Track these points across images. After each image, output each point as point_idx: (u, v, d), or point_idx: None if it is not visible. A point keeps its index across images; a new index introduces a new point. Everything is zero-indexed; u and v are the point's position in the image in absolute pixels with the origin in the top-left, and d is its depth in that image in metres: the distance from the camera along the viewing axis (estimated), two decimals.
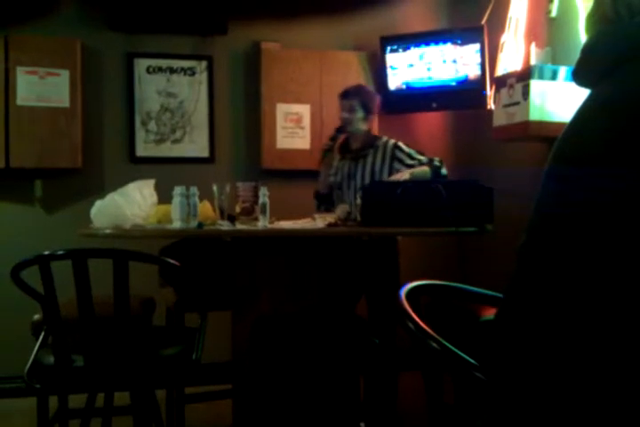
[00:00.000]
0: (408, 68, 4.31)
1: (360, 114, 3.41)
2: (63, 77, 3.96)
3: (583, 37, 3.19)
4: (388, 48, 4.34)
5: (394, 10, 4.55)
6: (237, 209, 2.85)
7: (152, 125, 4.27)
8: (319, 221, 2.88)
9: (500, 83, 3.50)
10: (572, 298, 1.04)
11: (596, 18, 1.23)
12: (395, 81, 4.36)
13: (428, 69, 4.25)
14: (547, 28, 3.61)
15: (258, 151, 4.34)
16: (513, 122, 3.33)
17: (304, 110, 4.34)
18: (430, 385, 1.40)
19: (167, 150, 4.29)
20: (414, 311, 1.29)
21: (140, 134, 4.26)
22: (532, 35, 3.71)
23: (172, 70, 4.29)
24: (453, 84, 4.18)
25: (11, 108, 3.86)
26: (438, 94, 4.26)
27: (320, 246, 2.86)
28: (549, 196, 1.15)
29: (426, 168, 3.30)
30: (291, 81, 4.31)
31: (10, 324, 3.78)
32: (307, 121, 4.34)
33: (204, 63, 4.33)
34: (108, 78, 4.23)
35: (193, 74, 4.32)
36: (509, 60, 3.81)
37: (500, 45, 3.91)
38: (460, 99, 4.19)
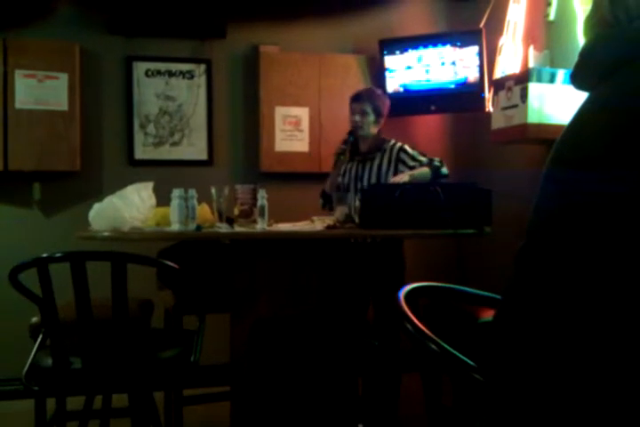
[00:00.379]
0: (407, 70, 4.32)
1: (371, 117, 3.44)
2: (62, 81, 3.96)
3: (581, 40, 3.20)
4: (387, 51, 4.35)
5: (392, 13, 4.56)
6: (236, 212, 2.85)
7: (151, 128, 4.28)
8: (318, 224, 2.88)
9: (499, 85, 3.51)
10: (570, 300, 1.05)
11: (594, 21, 1.23)
12: (393, 84, 4.36)
13: (427, 72, 4.25)
14: (545, 32, 3.62)
15: (256, 154, 4.35)
16: (511, 124, 3.34)
17: (303, 113, 4.34)
18: (429, 387, 1.40)
19: (166, 153, 4.30)
20: (413, 313, 1.29)
21: (138, 137, 4.26)
22: (530, 38, 3.72)
23: (170, 73, 4.30)
24: (452, 86, 4.19)
25: (9, 112, 3.86)
26: (437, 97, 4.26)
27: (319, 249, 2.86)
28: (548, 198, 1.15)
29: (426, 169, 3.32)
30: (289, 84, 4.31)
31: (8, 326, 3.78)
32: (305, 124, 4.35)
33: (202, 66, 4.34)
34: (107, 82, 4.24)
35: (192, 77, 4.33)
36: (508, 62, 3.81)
37: (498, 48, 3.92)
38: (459, 101, 4.19)
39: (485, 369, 1.15)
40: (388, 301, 3.26)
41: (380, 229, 2.77)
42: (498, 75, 3.84)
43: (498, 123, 3.50)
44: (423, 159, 3.42)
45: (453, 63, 4.17)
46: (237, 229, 2.74)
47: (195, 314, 2.66)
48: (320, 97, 4.35)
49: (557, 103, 3.17)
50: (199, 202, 2.78)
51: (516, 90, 3.27)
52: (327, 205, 3.61)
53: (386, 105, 3.52)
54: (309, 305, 2.84)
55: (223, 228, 2.74)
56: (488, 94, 4.01)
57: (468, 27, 4.25)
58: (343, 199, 3.10)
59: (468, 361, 1.17)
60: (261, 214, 2.73)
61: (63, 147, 3.95)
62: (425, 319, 1.30)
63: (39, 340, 2.38)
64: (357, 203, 2.87)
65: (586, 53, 1.22)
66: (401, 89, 4.35)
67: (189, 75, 4.33)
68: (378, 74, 4.41)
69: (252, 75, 4.37)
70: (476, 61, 4.07)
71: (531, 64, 3.53)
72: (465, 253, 4.55)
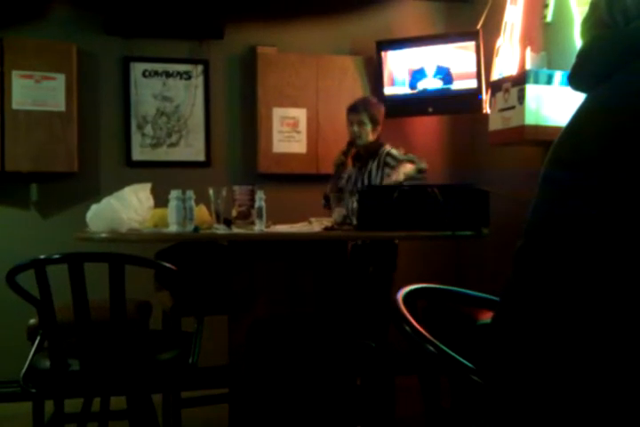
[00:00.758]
0: (404, 72, 4.32)
1: (369, 127, 3.54)
2: (59, 81, 3.95)
3: (578, 42, 3.20)
4: (384, 52, 4.35)
5: (390, 14, 4.57)
6: (234, 213, 2.85)
7: (148, 129, 4.27)
8: (315, 225, 2.89)
9: (496, 87, 3.51)
10: (568, 302, 1.05)
11: (591, 23, 1.24)
12: (391, 85, 4.36)
13: (424, 74, 4.26)
14: (542, 33, 3.62)
15: (254, 155, 4.34)
16: (509, 126, 3.34)
17: (300, 114, 4.34)
18: (427, 389, 1.40)
19: (163, 154, 4.29)
20: (411, 315, 1.29)
21: (136, 138, 4.26)
22: (527, 39, 3.72)
23: (168, 74, 4.29)
24: (449, 88, 4.19)
25: (6, 112, 3.85)
26: (434, 99, 4.26)
27: (316, 250, 2.86)
28: (546, 200, 1.15)
29: (409, 166, 3.36)
30: (287, 85, 4.31)
31: (5, 328, 3.77)
32: (303, 125, 4.35)
33: (200, 67, 4.34)
34: (104, 82, 4.23)
35: (189, 78, 4.33)
36: (505, 64, 3.82)
37: (495, 50, 3.92)
38: (456, 103, 4.19)
39: (484, 371, 1.15)
40: (376, 300, 3.36)
41: (377, 230, 2.77)
42: (495, 76, 3.85)
43: (495, 124, 3.50)
44: (404, 157, 3.49)
45: (451, 65, 4.17)
46: (235, 230, 2.74)
47: (193, 316, 2.66)
48: (318, 98, 4.36)
49: (555, 105, 3.18)
50: (197, 203, 2.78)
51: (514, 91, 3.28)
52: (328, 205, 3.65)
53: (381, 112, 3.62)
54: (307, 306, 2.84)
55: (221, 229, 2.74)
56: (485, 96, 4.02)
57: (466, 28, 4.25)
58: (341, 201, 3.11)
59: (467, 363, 1.17)
60: (259, 216, 2.73)
61: (60, 148, 3.95)
62: (423, 321, 1.30)
63: (37, 342, 2.37)
64: (355, 204, 2.87)
65: (583, 55, 1.23)
66: (398, 91, 4.35)
67: (187, 75, 4.32)
68: (375, 75, 4.42)
69: (250, 76, 4.37)
70: (474, 63, 4.07)
71: (528, 66, 3.53)
72: (462, 254, 4.56)
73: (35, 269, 2.11)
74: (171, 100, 4.30)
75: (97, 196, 3.29)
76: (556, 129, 3.13)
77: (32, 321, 2.71)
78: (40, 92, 3.92)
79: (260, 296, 2.80)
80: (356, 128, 3.54)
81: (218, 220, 2.83)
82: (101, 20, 4.12)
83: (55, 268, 2.12)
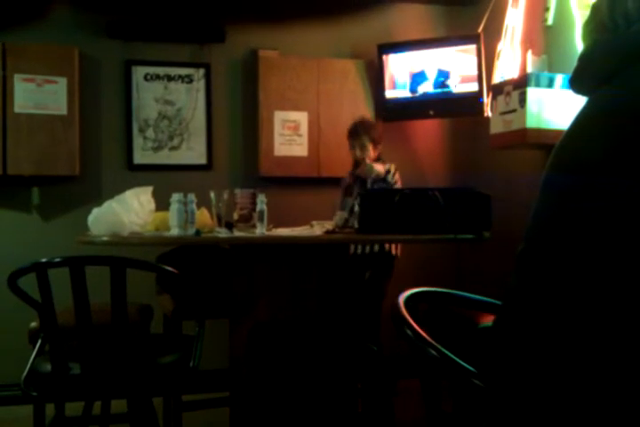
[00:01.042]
0: (405, 75, 4.32)
1: (370, 148, 3.69)
2: (61, 85, 3.96)
3: (579, 45, 3.21)
4: (386, 56, 4.35)
5: (391, 18, 4.58)
6: (235, 216, 2.85)
7: (150, 133, 4.28)
8: (317, 229, 2.88)
9: (497, 90, 3.52)
10: (570, 305, 1.05)
11: (592, 26, 1.24)
12: (392, 89, 4.37)
13: (425, 77, 4.26)
14: (543, 36, 3.63)
15: (255, 158, 4.35)
16: (510, 129, 3.35)
17: (302, 118, 4.35)
18: (429, 393, 1.39)
19: (165, 157, 4.30)
20: (413, 319, 1.29)
21: (137, 142, 4.26)
22: (528, 43, 3.72)
23: (169, 78, 4.30)
24: (450, 91, 4.20)
25: (8, 116, 3.86)
26: (435, 102, 4.27)
27: (318, 254, 2.86)
28: (547, 203, 1.15)
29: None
30: (288, 88, 4.32)
31: (6, 331, 3.77)
32: (304, 128, 4.35)
33: (201, 71, 4.34)
34: (106, 86, 4.24)
35: (191, 81, 4.33)
36: (506, 67, 3.82)
37: (496, 53, 3.92)
38: (457, 106, 4.20)
39: (486, 375, 1.15)
40: (368, 307, 3.55)
41: (378, 234, 2.77)
42: (496, 80, 3.85)
43: (496, 128, 3.50)
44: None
45: (452, 68, 4.18)
46: (236, 233, 2.74)
47: (194, 319, 2.66)
48: (319, 101, 4.36)
49: (556, 108, 3.18)
50: (198, 206, 2.78)
51: (515, 95, 3.28)
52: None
53: (380, 132, 3.80)
54: (308, 310, 2.83)
55: (222, 232, 2.74)
56: (487, 99, 4.02)
57: (467, 31, 4.26)
58: (342, 204, 3.13)
59: (468, 367, 1.17)
60: (260, 219, 2.73)
61: (62, 151, 3.95)
62: (425, 325, 1.30)
63: (38, 345, 2.37)
64: (356, 208, 2.87)
65: (584, 58, 1.22)
66: (399, 94, 4.35)
67: (188, 79, 4.33)
68: (376, 78, 4.42)
69: (251, 79, 4.37)
70: (475, 66, 4.08)
71: (529, 69, 3.54)
72: (464, 258, 4.55)
73: (36, 272, 2.11)
74: (172, 104, 4.30)
75: (98, 199, 3.29)
76: (557, 132, 3.13)
77: (33, 324, 2.71)
78: (42, 95, 3.92)
79: (261, 300, 2.80)
80: (358, 153, 3.70)
81: (219, 223, 2.83)
82: (103, 23, 4.13)
83: (56, 271, 2.12)
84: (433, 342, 1.21)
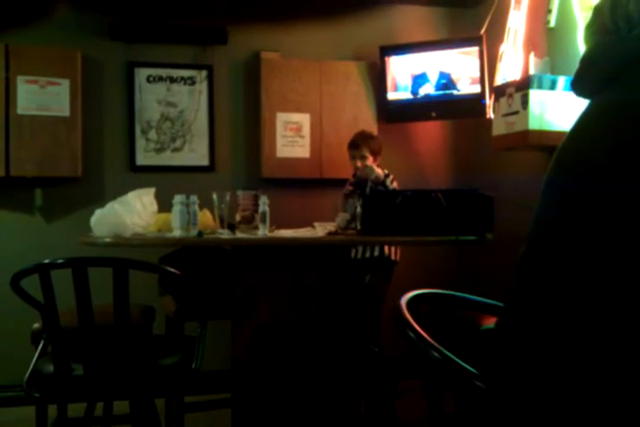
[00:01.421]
0: (407, 77, 4.33)
1: (370, 159, 3.75)
2: (63, 87, 3.97)
3: (582, 47, 3.20)
4: (388, 57, 4.36)
5: (393, 20, 4.58)
6: (237, 218, 2.85)
7: (152, 134, 4.28)
8: (319, 230, 2.89)
9: (500, 92, 3.52)
10: (572, 308, 1.05)
11: (594, 29, 1.24)
12: (394, 90, 4.37)
13: (428, 79, 4.26)
14: (545, 38, 3.63)
15: (258, 160, 4.35)
16: (512, 131, 3.34)
17: (304, 119, 4.35)
18: (430, 394, 1.39)
19: (167, 159, 4.30)
20: (415, 320, 1.29)
21: (140, 143, 4.27)
22: (530, 45, 3.72)
23: (172, 80, 4.31)
24: (453, 93, 4.20)
25: (11, 117, 3.87)
26: (438, 103, 4.27)
27: (320, 255, 2.86)
28: (549, 205, 1.15)
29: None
30: (290, 90, 4.32)
31: (9, 332, 3.78)
32: (306, 130, 4.35)
33: (204, 72, 4.35)
34: (109, 87, 4.25)
35: (193, 83, 4.34)
36: (508, 69, 3.82)
37: (499, 55, 3.92)
38: (460, 108, 4.20)
39: (487, 377, 1.15)
40: (367, 310, 3.57)
41: (381, 235, 2.77)
42: (499, 81, 3.85)
43: (499, 129, 3.50)
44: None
45: (454, 70, 4.18)
46: (239, 235, 2.75)
47: (196, 320, 2.66)
48: (321, 103, 4.36)
49: (558, 110, 3.18)
50: (201, 208, 2.78)
51: (517, 97, 3.28)
52: None
53: (380, 144, 3.85)
54: (310, 311, 2.83)
55: (225, 234, 2.74)
56: (489, 101, 4.02)
57: (469, 33, 4.26)
58: (344, 206, 3.14)
59: (470, 369, 1.17)
60: (263, 220, 2.73)
61: (65, 153, 3.96)
62: (427, 326, 1.30)
63: (40, 346, 2.38)
64: (358, 209, 2.88)
65: (586, 61, 1.23)
66: (402, 96, 4.36)
67: (191, 81, 4.34)
68: (378, 80, 4.42)
69: (254, 81, 4.38)
70: (477, 68, 4.08)
71: (531, 71, 3.53)
72: (466, 259, 4.55)
73: (39, 273, 2.11)
74: (175, 106, 4.31)
75: (101, 200, 3.29)
76: (559, 134, 3.13)
77: (36, 325, 2.72)
78: (45, 97, 3.93)
79: (263, 301, 2.80)
80: (358, 163, 3.74)
81: (221, 224, 2.83)
82: (106, 25, 4.14)
83: (59, 272, 2.12)
84: (435, 344, 1.21)
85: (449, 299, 1.62)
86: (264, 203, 2.75)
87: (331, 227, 2.91)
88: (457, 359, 1.18)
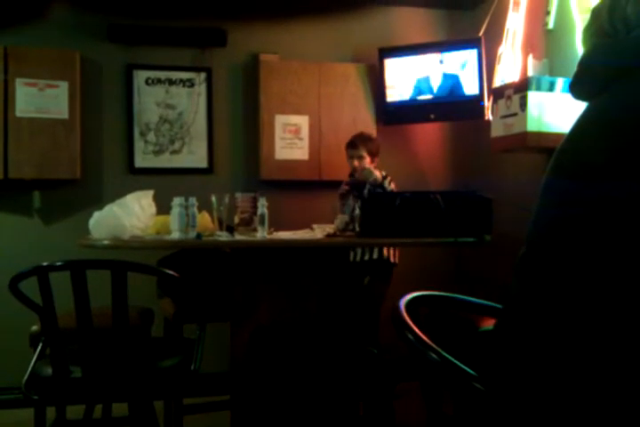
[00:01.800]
0: (406, 79, 4.33)
1: (367, 160, 3.76)
2: (62, 89, 3.97)
3: (580, 49, 3.21)
4: (387, 59, 4.36)
5: (392, 22, 4.58)
6: (236, 220, 2.85)
7: (151, 136, 4.28)
8: (318, 232, 2.89)
9: (498, 94, 3.52)
10: (571, 309, 1.05)
11: (592, 31, 1.24)
12: (393, 92, 4.37)
13: (426, 80, 4.27)
14: (544, 40, 3.63)
15: (256, 162, 4.35)
16: (511, 133, 3.35)
17: (302, 121, 4.35)
18: (429, 396, 1.39)
19: (166, 161, 4.30)
20: (414, 322, 1.29)
21: (138, 145, 4.27)
22: (529, 46, 3.73)
23: (170, 82, 4.31)
24: (451, 95, 4.20)
25: (10, 120, 3.87)
26: (436, 105, 4.27)
27: (319, 257, 2.86)
28: (548, 207, 1.15)
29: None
30: (289, 92, 4.32)
31: (8, 335, 3.78)
32: (305, 132, 4.36)
33: (202, 75, 4.35)
34: (107, 90, 4.25)
35: (192, 85, 4.34)
36: (507, 71, 3.83)
37: (497, 57, 3.93)
38: (458, 110, 4.20)
39: (487, 378, 1.15)
40: (366, 312, 3.58)
41: (379, 237, 2.77)
42: (497, 83, 3.86)
43: (497, 131, 3.51)
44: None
45: (453, 71, 4.18)
46: (238, 237, 2.74)
47: (195, 322, 2.66)
48: (320, 105, 4.37)
49: (557, 112, 3.18)
50: (199, 210, 2.78)
51: (516, 98, 3.28)
52: None
53: (378, 146, 3.86)
54: (309, 313, 2.83)
55: (223, 236, 2.74)
56: (487, 103, 4.02)
57: (468, 35, 4.26)
58: (343, 208, 3.14)
59: (469, 371, 1.16)
60: (261, 222, 2.73)
61: (63, 155, 3.96)
62: (426, 328, 1.30)
63: (39, 348, 2.38)
64: (357, 211, 2.88)
65: (584, 63, 1.23)
66: (400, 97, 4.36)
67: (190, 83, 4.34)
68: (377, 82, 4.43)
69: (252, 83, 4.38)
70: (476, 70, 4.08)
71: (530, 73, 3.54)
72: (465, 261, 4.55)
73: (37, 276, 2.11)
74: (173, 108, 4.31)
75: (99, 203, 3.29)
76: (558, 136, 3.13)
77: (34, 328, 2.71)
78: (43, 99, 3.93)
79: (262, 303, 2.80)
80: (356, 162, 3.75)
81: (220, 227, 2.83)
82: (105, 27, 4.14)
83: (58, 275, 2.12)
84: (434, 346, 1.21)
85: (448, 301, 1.62)
86: (263, 205, 2.75)
87: (329, 229, 2.91)
88: (455, 361, 1.18)
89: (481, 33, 4.14)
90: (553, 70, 3.50)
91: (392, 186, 3.71)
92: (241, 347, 2.77)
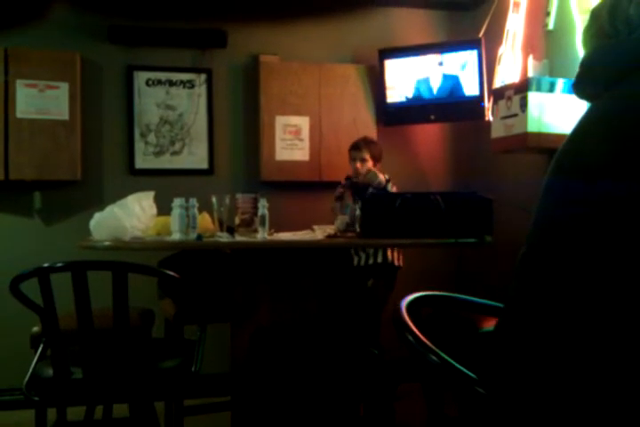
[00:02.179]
0: (406, 79, 4.33)
1: (369, 163, 3.78)
2: (63, 90, 3.97)
3: (580, 50, 3.21)
4: (387, 60, 4.36)
5: (392, 23, 4.58)
6: (237, 221, 2.85)
7: (151, 138, 4.28)
8: (318, 233, 2.89)
9: (498, 95, 3.52)
10: (573, 309, 1.05)
11: (592, 32, 1.24)
12: (393, 93, 4.38)
13: (427, 81, 4.27)
14: (544, 41, 3.63)
15: (257, 163, 4.35)
16: (511, 133, 3.35)
17: (303, 122, 4.35)
18: (430, 398, 1.39)
19: (166, 162, 4.30)
20: (415, 323, 1.29)
21: (139, 146, 4.27)
22: (529, 47, 3.73)
23: (171, 83, 4.31)
24: (451, 96, 4.20)
25: (10, 121, 3.86)
26: (436, 106, 4.27)
27: (319, 258, 2.86)
28: (549, 208, 1.16)
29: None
30: (289, 93, 4.32)
31: (9, 336, 3.78)
32: (305, 133, 4.36)
33: (203, 76, 4.35)
34: (108, 91, 4.25)
35: (192, 86, 4.34)
36: (507, 72, 3.83)
37: (497, 58, 3.93)
38: (458, 111, 4.20)
39: (487, 380, 1.15)
40: (369, 314, 3.60)
41: (380, 238, 2.77)
42: (497, 84, 3.86)
43: (498, 132, 3.51)
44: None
45: (453, 72, 4.18)
46: (238, 238, 2.75)
47: (195, 323, 2.66)
48: (320, 106, 4.37)
49: (557, 112, 3.18)
50: (200, 211, 2.78)
51: (516, 99, 3.28)
52: None
53: (380, 151, 3.87)
54: (309, 314, 2.83)
55: (224, 237, 2.74)
56: (488, 103, 4.02)
57: (468, 36, 4.27)
58: (343, 209, 3.14)
59: (469, 373, 1.16)
60: (262, 223, 2.73)
61: (64, 156, 3.96)
62: (428, 329, 1.30)
63: (40, 350, 2.38)
64: (358, 212, 2.88)
65: (586, 65, 1.23)
66: (400, 98, 4.36)
67: (190, 84, 4.34)
68: (377, 83, 4.43)
69: (253, 84, 4.38)
70: (476, 71, 4.08)
71: (530, 73, 3.54)
72: (465, 261, 4.55)
73: (38, 277, 2.11)
74: (174, 109, 4.31)
75: (100, 204, 3.29)
76: (558, 136, 3.13)
77: (35, 329, 2.72)
78: (44, 100, 3.93)
79: (263, 304, 2.80)
80: (359, 164, 3.76)
81: (221, 228, 2.83)
82: (105, 28, 4.14)
83: (58, 276, 2.12)
84: (433, 348, 1.21)
85: (449, 301, 1.62)
86: (263, 206, 2.75)
87: (330, 230, 2.91)
88: (455, 364, 1.18)
89: (481, 34, 4.14)
90: (553, 71, 3.50)
91: (394, 189, 3.71)
92: (241, 348, 2.77)
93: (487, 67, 4.04)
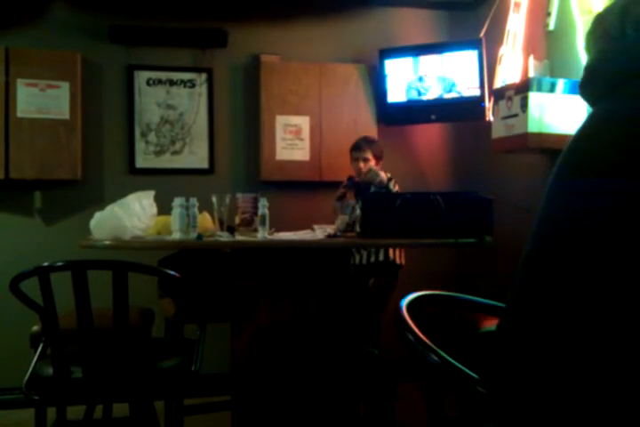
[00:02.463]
0: (407, 80, 4.33)
1: (372, 162, 3.79)
2: (63, 89, 3.97)
3: (581, 50, 3.21)
4: (387, 60, 4.36)
5: (393, 23, 4.58)
6: (237, 220, 2.85)
7: (152, 137, 4.29)
8: (318, 232, 2.89)
9: (499, 95, 3.52)
10: (576, 310, 1.05)
11: (597, 36, 1.23)
12: (394, 93, 4.38)
13: (427, 81, 4.27)
14: (544, 41, 3.63)
15: (257, 163, 4.36)
16: (512, 134, 3.35)
17: (303, 122, 4.35)
18: (430, 397, 1.39)
19: (167, 162, 4.31)
20: (416, 322, 1.29)
21: (139, 146, 4.27)
22: (529, 48, 3.73)
23: (171, 82, 4.31)
24: (452, 96, 4.20)
25: (11, 120, 3.87)
26: (437, 106, 4.27)
27: (319, 258, 2.86)
28: (554, 208, 1.15)
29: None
30: (290, 93, 4.32)
31: (9, 335, 3.78)
32: (306, 133, 4.36)
33: (203, 75, 4.35)
34: (108, 90, 4.25)
35: (193, 86, 4.34)
36: (508, 72, 3.83)
37: (498, 58, 3.93)
38: (459, 111, 4.20)
39: (489, 380, 1.15)
40: (370, 314, 3.62)
41: (380, 238, 2.77)
42: (498, 84, 3.86)
43: (498, 132, 3.51)
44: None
45: (453, 72, 4.18)
46: (238, 237, 2.75)
47: (195, 323, 2.66)
48: (321, 106, 4.37)
49: (558, 113, 3.18)
50: (200, 211, 2.78)
51: (517, 99, 3.28)
52: None
53: (381, 150, 3.89)
54: (309, 314, 2.83)
55: (224, 236, 2.74)
56: (488, 104, 4.02)
57: (469, 36, 4.27)
58: (343, 209, 3.14)
59: (469, 372, 1.16)
60: (262, 223, 2.73)
61: (64, 155, 3.96)
62: (429, 328, 1.30)
63: (40, 349, 2.38)
64: (358, 212, 2.88)
65: (591, 69, 1.22)
66: (401, 98, 4.36)
67: (190, 84, 4.34)
68: (378, 83, 4.43)
69: (253, 84, 4.38)
70: (477, 71, 4.08)
71: (531, 74, 3.54)
72: (466, 262, 4.55)
73: (38, 276, 2.11)
74: (174, 108, 4.31)
75: (100, 203, 3.29)
76: (558, 136, 3.13)
77: (35, 328, 2.72)
78: (44, 100, 3.93)
79: (263, 304, 2.80)
80: (361, 164, 3.78)
81: (221, 227, 2.83)
82: (106, 28, 4.14)
83: (59, 275, 2.12)
84: (434, 347, 1.21)
85: (450, 300, 1.62)
86: (263, 205, 2.75)
87: (330, 229, 2.91)
88: (456, 363, 1.18)
89: (482, 34, 4.14)
90: (554, 71, 3.50)
91: (396, 188, 3.71)
92: (241, 347, 2.77)
93: (488, 67, 4.04)
